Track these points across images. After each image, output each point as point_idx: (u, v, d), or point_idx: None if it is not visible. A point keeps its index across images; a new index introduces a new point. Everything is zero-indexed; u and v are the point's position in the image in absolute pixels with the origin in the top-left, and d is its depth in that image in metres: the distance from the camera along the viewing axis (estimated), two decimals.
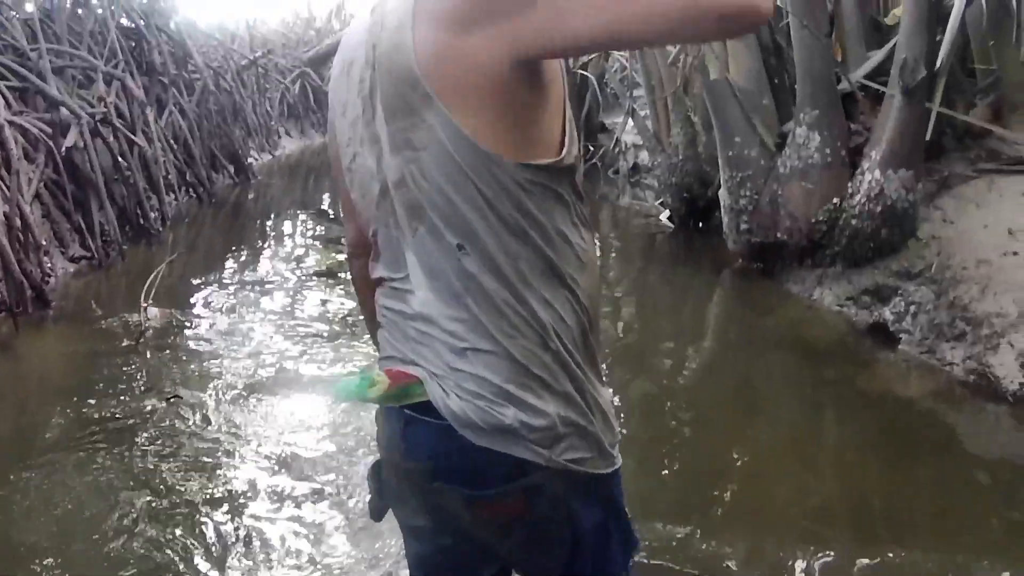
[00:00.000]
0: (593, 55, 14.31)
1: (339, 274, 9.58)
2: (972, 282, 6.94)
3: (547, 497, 1.95)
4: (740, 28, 1.64)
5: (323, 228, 13.10)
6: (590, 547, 2.06)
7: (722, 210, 9.22)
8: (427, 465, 1.94)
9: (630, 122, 13.67)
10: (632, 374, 6.94)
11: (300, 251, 11.62)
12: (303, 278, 9.73)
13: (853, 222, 7.90)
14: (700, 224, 11.21)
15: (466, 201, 1.81)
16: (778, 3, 9.11)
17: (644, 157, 14.06)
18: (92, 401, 5.97)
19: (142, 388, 6.25)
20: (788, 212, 8.44)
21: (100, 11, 12.24)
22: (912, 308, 7.17)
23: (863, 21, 9.04)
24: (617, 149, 15.46)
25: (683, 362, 7.42)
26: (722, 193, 9.13)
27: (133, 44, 13.13)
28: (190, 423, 5.68)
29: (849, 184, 8.11)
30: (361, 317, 2.50)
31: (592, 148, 15.91)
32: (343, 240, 2.37)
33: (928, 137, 7.71)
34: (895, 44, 8.05)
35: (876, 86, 8.45)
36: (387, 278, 2.03)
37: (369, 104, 1.91)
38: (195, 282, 9.32)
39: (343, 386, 2.01)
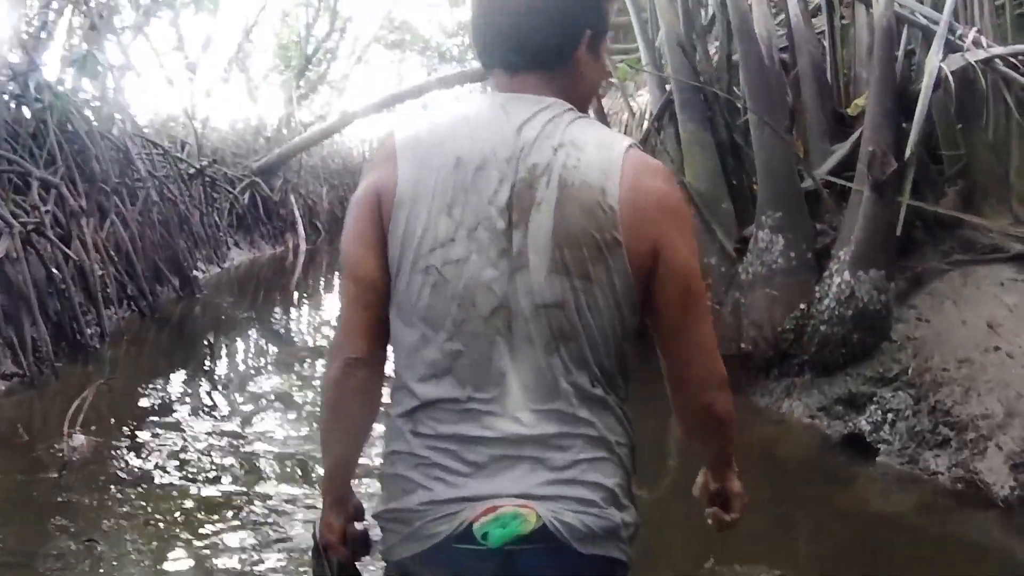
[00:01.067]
0: None
1: (296, 399, 8.91)
2: (954, 384, 6.53)
3: None
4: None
5: (276, 348, 12.45)
6: None
7: None
8: None
9: None
10: None
11: (251, 373, 10.88)
12: (252, 405, 8.94)
13: (822, 328, 7.44)
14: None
15: (614, 336, 2.02)
16: (735, 99, 8.86)
17: None
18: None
19: (57, 527, 5.57)
20: (752, 321, 7.98)
21: (41, 111, 11.68)
22: (890, 416, 6.73)
23: (825, 114, 8.66)
24: None
25: (648, 488, 6.81)
26: None
27: (76, 148, 12.58)
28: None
29: (817, 288, 7.67)
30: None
31: None
32: (338, 347, 2.16)
33: (898, 232, 7.36)
34: (860, 136, 7.77)
35: (842, 182, 8.10)
36: (456, 399, 2.02)
37: (505, 216, 1.98)
38: (131, 407, 8.56)
39: (497, 527, 1.94)
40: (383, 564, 2.17)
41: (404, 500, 2.04)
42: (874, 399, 6.94)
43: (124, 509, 5.93)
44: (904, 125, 7.49)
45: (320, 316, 15.07)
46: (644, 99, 11.87)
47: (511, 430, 1.98)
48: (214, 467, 6.86)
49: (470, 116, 2.12)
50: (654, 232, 2.00)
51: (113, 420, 7.86)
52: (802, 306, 7.68)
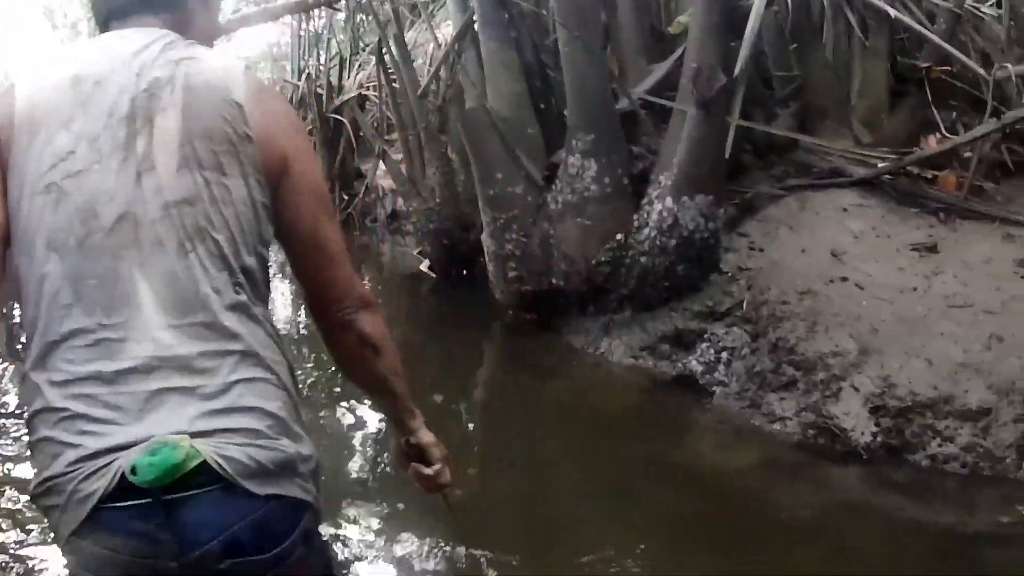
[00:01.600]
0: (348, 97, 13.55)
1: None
2: (796, 318, 5.59)
3: (313, 541, 1.92)
4: None
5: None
6: None
7: (486, 257, 7.66)
8: (216, 545, 1.70)
9: (382, 166, 12.10)
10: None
11: None
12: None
13: (642, 260, 6.46)
14: (465, 272, 9.53)
15: (252, 234, 1.89)
16: (543, 16, 7.80)
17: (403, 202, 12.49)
18: None
19: None
20: (563, 254, 6.93)
21: None
22: (724, 355, 5.75)
23: (643, 31, 7.73)
24: (373, 195, 13.81)
25: (453, 451, 5.61)
26: (485, 238, 7.58)
27: None
28: None
29: (635, 216, 6.67)
30: None
31: (347, 197, 14.18)
32: None
33: (727, 155, 6.42)
34: (683, 53, 6.77)
35: (662, 101, 7.10)
36: (85, 329, 1.78)
37: (126, 125, 1.84)
38: None
39: (146, 456, 1.65)
40: None
41: (53, 466, 1.76)
42: (705, 336, 5.97)
43: None
44: (732, 44, 6.62)
45: None
46: (450, 31, 10.83)
47: (149, 354, 1.76)
48: None
49: (88, 45, 2.06)
50: (283, 141, 1.94)
51: None
52: (619, 236, 6.69)
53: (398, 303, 9.97)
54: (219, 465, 1.69)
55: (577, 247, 6.83)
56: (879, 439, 4.81)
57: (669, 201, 6.33)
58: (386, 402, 2.24)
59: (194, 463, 1.66)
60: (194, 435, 1.70)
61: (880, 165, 6.70)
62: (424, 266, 10.06)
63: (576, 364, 6.53)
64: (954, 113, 7.27)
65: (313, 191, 1.99)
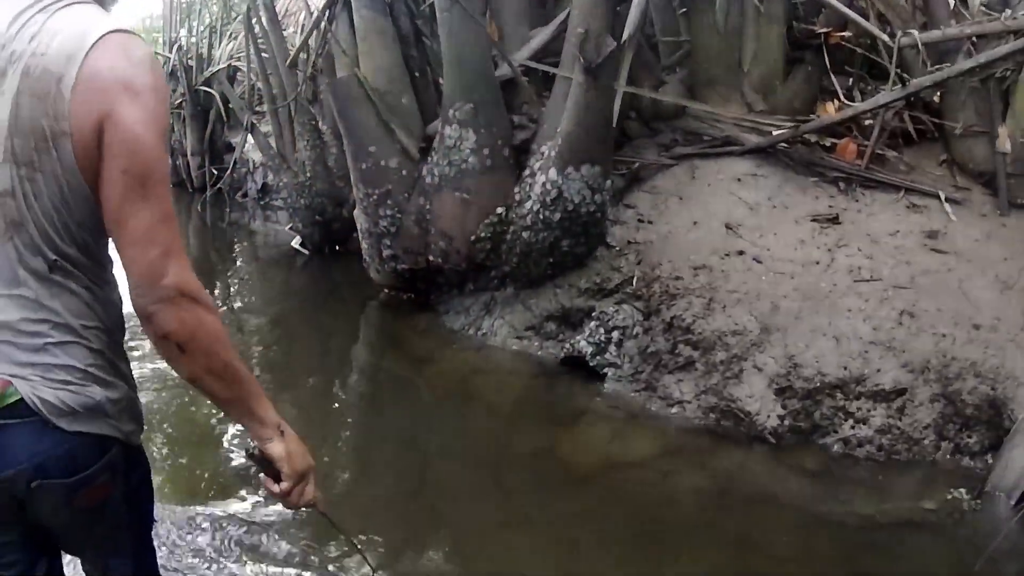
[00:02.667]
0: (218, 69, 12.98)
1: None
2: (691, 295, 5.07)
3: (120, 472, 1.98)
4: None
5: None
6: (140, 514, 2.14)
7: (360, 234, 7.10)
8: (26, 467, 1.85)
9: (251, 139, 11.37)
10: None
11: None
12: None
13: (525, 235, 5.94)
14: (339, 249, 9.04)
15: (67, 224, 1.87)
16: None
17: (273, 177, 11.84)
18: None
19: None
20: (440, 230, 6.38)
21: None
22: (615, 334, 5.20)
23: None
24: (245, 169, 13.07)
25: (327, 449, 4.92)
26: (358, 214, 7.01)
27: None
28: None
29: (516, 189, 6.14)
30: None
31: (217, 171, 13.41)
32: None
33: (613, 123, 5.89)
34: (567, 18, 6.22)
35: (545, 67, 6.53)
36: None
37: None
38: None
39: None
40: None
41: None
42: (593, 315, 5.42)
43: None
44: (619, 8, 6.17)
45: None
46: None
47: None
48: None
49: None
50: (101, 108, 1.79)
51: None
52: (499, 210, 6.16)
53: (270, 281, 9.31)
54: (35, 404, 1.82)
55: (455, 223, 6.30)
56: (786, 422, 4.37)
57: (553, 172, 5.82)
58: (219, 407, 2.03)
59: (13, 399, 1.80)
60: (15, 376, 1.81)
61: (775, 133, 6.21)
62: (296, 243, 9.48)
63: (457, 347, 5.94)
64: (851, 80, 6.83)
65: (123, 159, 1.81)
